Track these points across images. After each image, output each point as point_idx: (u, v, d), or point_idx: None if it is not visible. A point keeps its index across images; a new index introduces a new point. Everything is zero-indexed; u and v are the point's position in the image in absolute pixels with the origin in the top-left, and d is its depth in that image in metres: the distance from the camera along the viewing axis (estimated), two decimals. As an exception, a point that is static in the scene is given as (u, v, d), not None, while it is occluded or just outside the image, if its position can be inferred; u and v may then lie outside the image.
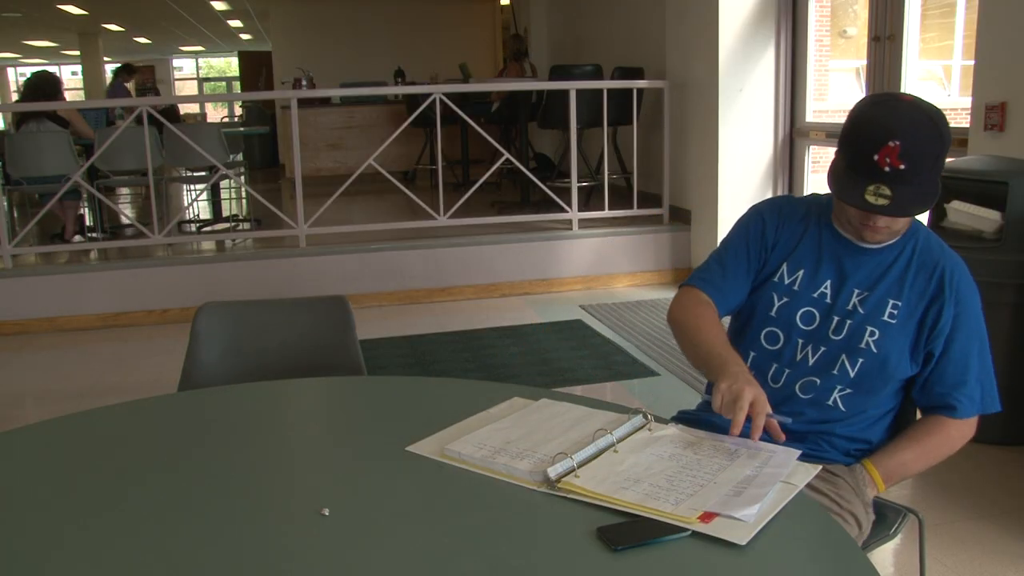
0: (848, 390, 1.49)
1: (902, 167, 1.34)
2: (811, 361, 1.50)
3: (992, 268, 2.80)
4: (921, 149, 1.35)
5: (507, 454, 1.23)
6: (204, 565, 1.00)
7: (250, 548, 1.03)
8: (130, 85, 9.81)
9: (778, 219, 1.56)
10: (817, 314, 1.50)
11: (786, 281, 1.53)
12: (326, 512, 1.09)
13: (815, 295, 1.50)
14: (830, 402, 1.50)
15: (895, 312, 1.46)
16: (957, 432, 1.48)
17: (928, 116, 1.37)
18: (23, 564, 1.01)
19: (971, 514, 2.45)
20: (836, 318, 1.48)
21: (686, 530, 1.01)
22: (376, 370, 3.83)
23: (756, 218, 1.59)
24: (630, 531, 1.01)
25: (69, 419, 1.46)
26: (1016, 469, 2.73)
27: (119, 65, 10.08)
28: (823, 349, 1.49)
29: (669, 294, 3.88)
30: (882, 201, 1.34)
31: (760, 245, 1.56)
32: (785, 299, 1.53)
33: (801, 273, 1.52)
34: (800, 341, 1.51)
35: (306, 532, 1.05)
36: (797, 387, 1.51)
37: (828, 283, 1.50)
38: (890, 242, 1.49)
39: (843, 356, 1.48)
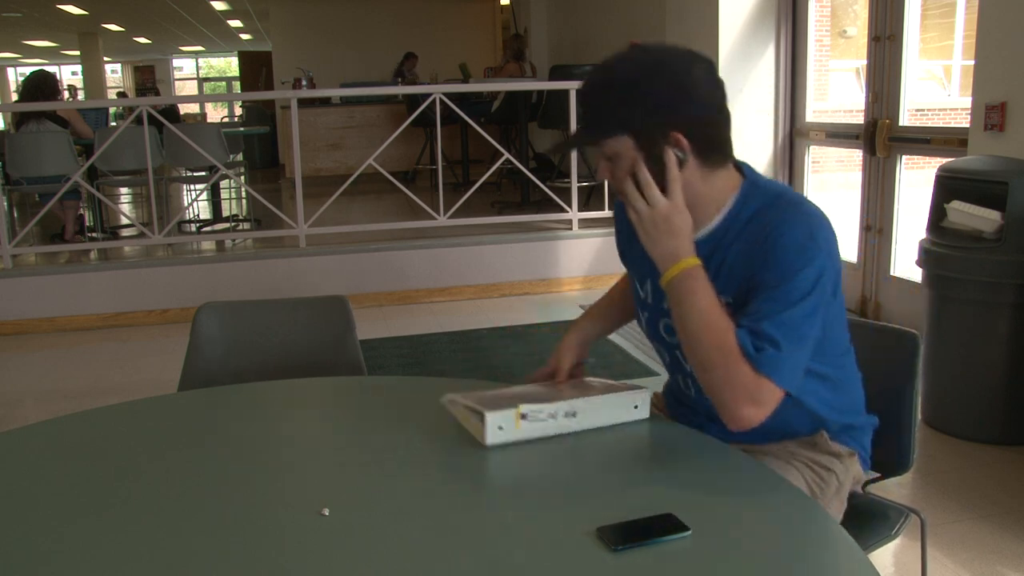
0: None
1: (582, 109, 1.34)
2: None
3: (992, 268, 2.80)
4: (589, 88, 1.32)
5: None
6: (204, 565, 0.99)
7: (250, 548, 1.03)
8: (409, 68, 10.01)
9: (629, 224, 1.38)
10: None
11: (642, 296, 1.45)
12: (326, 512, 1.09)
13: (665, 305, 1.33)
14: None
15: (729, 307, 1.28)
16: (743, 369, 1.21)
17: (617, 57, 1.31)
18: (23, 564, 1.00)
19: (971, 514, 2.45)
20: None
21: (686, 530, 1.01)
22: (376, 370, 3.83)
23: (616, 221, 1.54)
24: (630, 531, 1.01)
25: (69, 419, 1.46)
26: (1016, 469, 2.73)
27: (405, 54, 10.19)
28: None
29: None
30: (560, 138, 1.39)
31: (622, 246, 1.51)
32: (646, 314, 1.44)
33: (649, 283, 1.43)
34: (678, 353, 1.38)
35: (306, 532, 1.05)
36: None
37: None
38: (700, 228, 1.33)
39: None
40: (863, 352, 1.52)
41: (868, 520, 1.52)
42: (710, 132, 1.30)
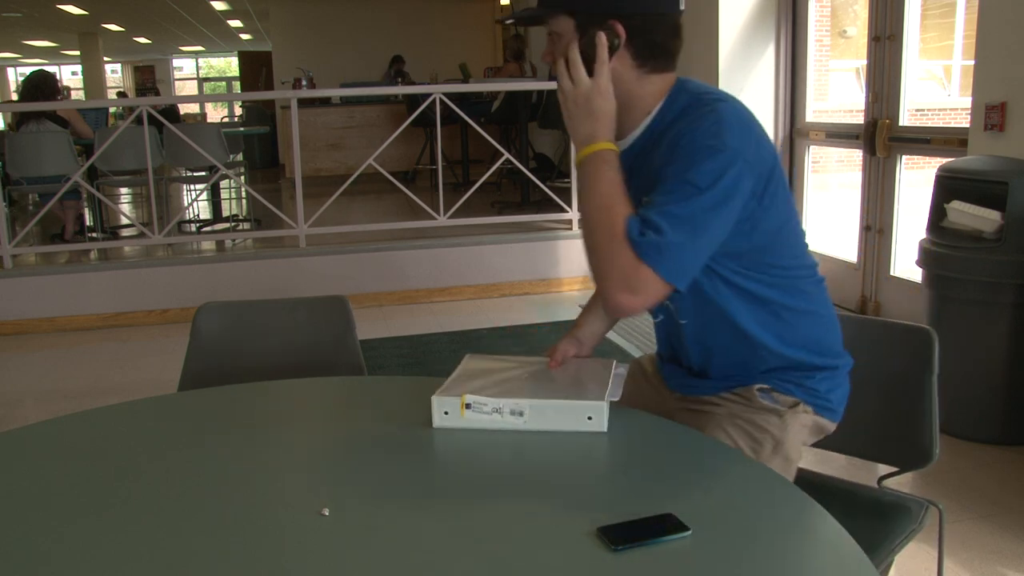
0: (684, 321, 1.42)
1: None
2: None
3: (992, 268, 2.80)
4: None
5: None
6: (204, 565, 0.99)
7: (250, 548, 1.03)
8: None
9: None
10: None
11: None
12: (326, 512, 1.09)
13: None
14: (689, 343, 1.46)
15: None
16: (624, 253, 1.21)
17: None
18: (23, 564, 1.01)
19: (971, 514, 2.45)
20: None
21: (686, 530, 1.01)
22: (376, 370, 3.83)
23: None
24: (630, 531, 1.01)
25: (69, 419, 1.46)
26: (1016, 469, 2.73)
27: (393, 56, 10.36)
28: None
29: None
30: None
31: None
32: None
33: None
34: None
35: (306, 532, 1.05)
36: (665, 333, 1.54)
37: None
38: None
39: None
40: (877, 349, 1.52)
41: (886, 514, 1.53)
42: (653, 34, 1.33)
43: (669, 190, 1.22)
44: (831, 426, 1.48)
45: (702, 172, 1.21)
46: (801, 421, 1.42)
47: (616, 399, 1.35)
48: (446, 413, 1.33)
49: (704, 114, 1.27)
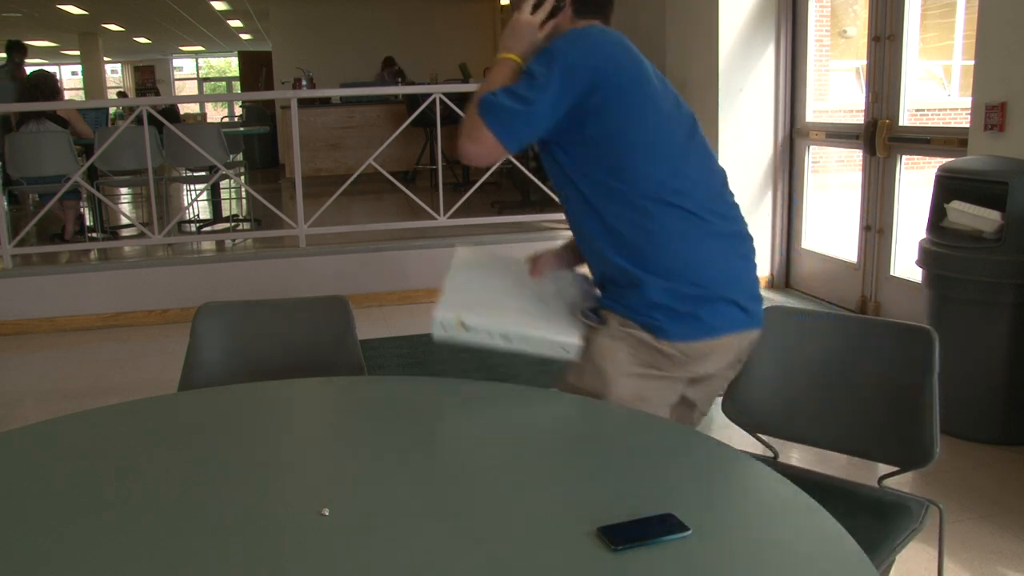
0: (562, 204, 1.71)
1: None
2: None
3: (992, 268, 2.80)
4: None
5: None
6: (204, 565, 0.99)
7: (250, 548, 1.03)
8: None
9: None
10: None
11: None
12: (326, 512, 1.09)
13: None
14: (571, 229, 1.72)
15: None
16: (472, 110, 1.60)
17: None
18: (23, 564, 1.01)
19: (971, 514, 2.45)
20: None
21: (686, 530, 1.01)
22: (376, 370, 3.83)
23: None
24: (630, 531, 1.01)
25: (69, 419, 1.46)
26: (1016, 469, 2.73)
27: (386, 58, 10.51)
28: None
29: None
30: None
31: None
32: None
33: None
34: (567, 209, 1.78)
35: (306, 532, 1.05)
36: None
37: None
38: None
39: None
40: (877, 349, 1.52)
41: (886, 514, 1.53)
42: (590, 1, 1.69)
43: (518, 80, 1.59)
44: (665, 345, 1.56)
45: (536, 63, 1.58)
46: (610, 332, 1.59)
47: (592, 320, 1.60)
48: (443, 328, 1.53)
49: (565, 35, 1.61)
